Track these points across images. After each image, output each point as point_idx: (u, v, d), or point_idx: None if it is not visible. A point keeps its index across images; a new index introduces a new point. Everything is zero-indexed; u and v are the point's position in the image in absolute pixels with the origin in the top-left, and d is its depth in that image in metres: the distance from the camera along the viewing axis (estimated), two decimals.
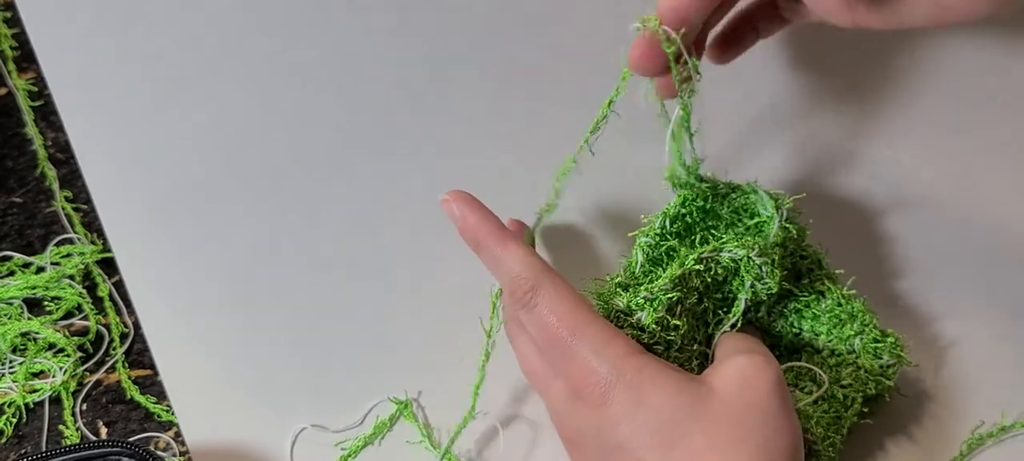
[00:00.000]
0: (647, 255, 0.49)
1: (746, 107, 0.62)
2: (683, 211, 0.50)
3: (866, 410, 0.49)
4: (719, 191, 0.51)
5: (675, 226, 0.50)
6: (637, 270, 0.49)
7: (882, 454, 0.51)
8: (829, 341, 0.49)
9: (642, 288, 0.47)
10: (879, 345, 0.49)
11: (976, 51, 0.63)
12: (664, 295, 0.46)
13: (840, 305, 0.50)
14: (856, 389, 0.49)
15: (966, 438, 0.51)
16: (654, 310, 0.46)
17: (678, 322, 0.46)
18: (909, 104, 0.62)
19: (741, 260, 0.47)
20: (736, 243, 0.47)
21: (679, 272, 0.46)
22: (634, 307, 0.46)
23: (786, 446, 0.42)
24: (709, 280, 0.47)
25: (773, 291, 0.48)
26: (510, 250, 0.47)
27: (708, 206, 0.50)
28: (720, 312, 0.49)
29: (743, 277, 0.47)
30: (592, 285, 0.49)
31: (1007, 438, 0.51)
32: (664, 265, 0.49)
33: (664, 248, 0.49)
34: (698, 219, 0.50)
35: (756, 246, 0.47)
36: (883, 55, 0.64)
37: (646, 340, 0.46)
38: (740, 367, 0.43)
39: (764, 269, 0.47)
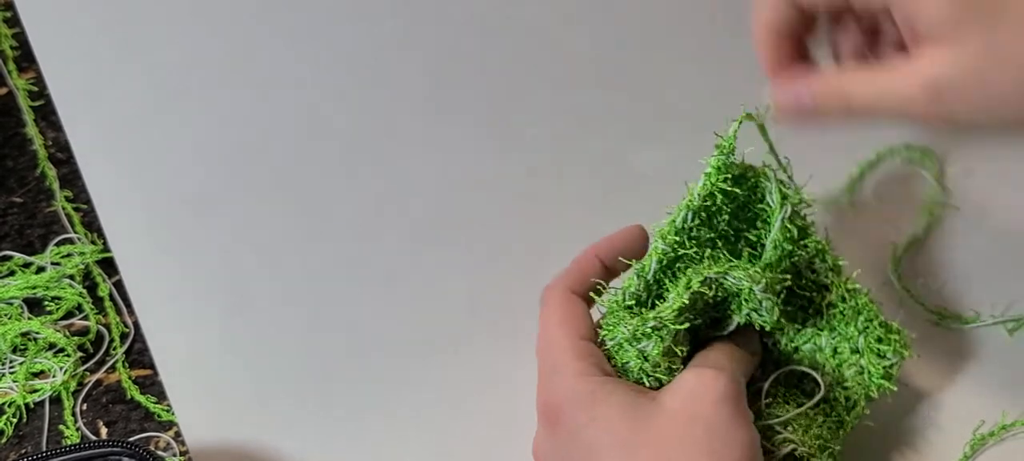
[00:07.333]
0: (661, 262, 0.47)
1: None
2: (707, 203, 0.47)
3: (868, 412, 0.49)
4: (734, 171, 0.48)
5: (695, 222, 0.47)
6: (650, 277, 0.48)
7: (883, 457, 0.51)
8: (832, 339, 0.49)
9: (650, 315, 0.46)
10: (883, 345, 0.48)
11: None
12: (673, 324, 0.45)
13: (843, 300, 0.49)
14: (858, 391, 0.48)
15: (969, 439, 0.51)
16: (661, 340, 0.45)
17: (681, 348, 0.46)
18: None
19: (743, 290, 0.46)
20: (744, 270, 0.46)
21: (686, 297, 0.45)
22: (640, 336, 0.46)
23: (737, 456, 0.42)
24: (710, 300, 0.47)
25: (768, 326, 0.47)
26: (575, 260, 0.49)
27: (730, 188, 0.47)
28: (710, 330, 0.49)
29: (741, 304, 0.47)
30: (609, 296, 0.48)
31: (1008, 437, 0.51)
32: (676, 274, 0.48)
33: (681, 254, 0.48)
34: (722, 204, 0.48)
35: (764, 280, 0.46)
36: None
37: (648, 369, 0.46)
38: (687, 382, 0.44)
39: (765, 304, 0.46)
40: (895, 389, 0.48)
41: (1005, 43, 0.41)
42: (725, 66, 0.65)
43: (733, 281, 0.46)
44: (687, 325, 0.46)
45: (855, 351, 0.48)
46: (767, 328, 0.47)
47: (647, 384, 0.46)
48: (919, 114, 0.43)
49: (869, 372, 0.48)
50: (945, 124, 0.43)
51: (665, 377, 0.46)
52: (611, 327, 0.46)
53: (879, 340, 0.48)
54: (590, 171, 0.62)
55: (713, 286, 0.46)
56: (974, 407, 0.52)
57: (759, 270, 0.46)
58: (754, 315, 0.47)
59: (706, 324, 0.48)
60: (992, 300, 0.55)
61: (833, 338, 0.49)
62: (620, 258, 0.48)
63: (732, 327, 0.48)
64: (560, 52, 0.66)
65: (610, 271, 0.49)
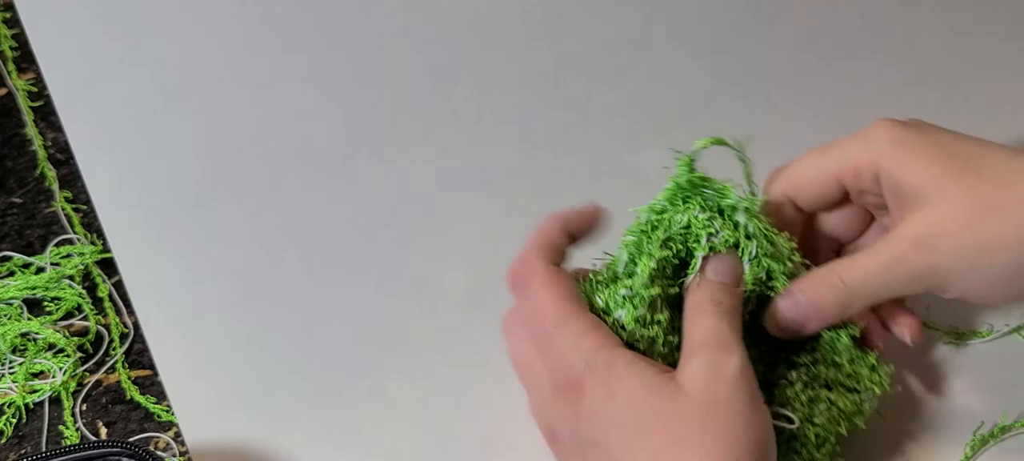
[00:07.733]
0: (631, 254, 0.48)
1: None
2: (669, 206, 0.48)
3: (838, 449, 0.48)
4: (697, 185, 0.48)
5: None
6: (620, 269, 0.48)
7: (884, 457, 0.51)
8: (810, 361, 0.48)
9: (620, 285, 0.46)
10: (860, 382, 0.47)
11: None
12: (645, 291, 0.45)
13: (829, 328, 0.48)
14: (829, 429, 0.47)
15: (969, 439, 0.51)
16: (634, 307, 0.45)
17: (661, 316, 0.46)
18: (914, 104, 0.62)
19: (691, 222, 0.46)
20: (689, 213, 0.46)
21: (653, 264, 0.46)
22: (612, 306, 0.46)
23: (754, 439, 0.42)
24: (676, 261, 0.47)
25: (730, 242, 0.46)
26: (529, 239, 0.48)
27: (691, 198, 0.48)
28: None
29: (698, 235, 0.46)
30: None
31: (1008, 438, 0.51)
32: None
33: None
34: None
35: (700, 207, 0.46)
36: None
37: (626, 338, 0.45)
38: (703, 363, 0.44)
39: (715, 223, 0.46)
40: (862, 427, 0.48)
41: (988, 193, 0.44)
42: (725, 67, 0.66)
43: (678, 222, 0.46)
44: (659, 291, 0.46)
45: (826, 387, 0.47)
46: (730, 243, 0.46)
47: None
48: (909, 268, 0.45)
49: (839, 408, 0.47)
50: (935, 279, 0.45)
51: (641, 345, 0.45)
52: (588, 297, 0.47)
53: (855, 376, 0.47)
54: (589, 171, 0.62)
55: (671, 244, 0.46)
56: (974, 408, 0.52)
57: (697, 202, 0.47)
58: (714, 240, 0.46)
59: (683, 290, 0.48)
60: (1005, 312, 0.55)
61: (810, 358, 0.48)
62: (583, 233, 0.49)
63: (697, 264, 0.47)
64: (559, 52, 0.66)
65: (573, 242, 0.49)
